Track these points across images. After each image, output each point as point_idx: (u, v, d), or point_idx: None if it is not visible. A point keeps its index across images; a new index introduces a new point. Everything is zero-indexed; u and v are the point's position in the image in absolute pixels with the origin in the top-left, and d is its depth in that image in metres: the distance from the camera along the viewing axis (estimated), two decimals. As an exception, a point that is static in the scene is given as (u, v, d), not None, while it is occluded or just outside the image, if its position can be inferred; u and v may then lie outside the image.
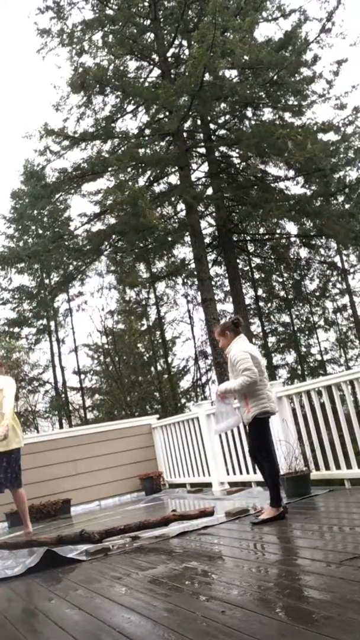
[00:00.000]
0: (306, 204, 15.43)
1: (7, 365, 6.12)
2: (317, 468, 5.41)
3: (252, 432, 4.55)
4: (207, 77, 13.30)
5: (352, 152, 14.76)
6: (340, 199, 16.42)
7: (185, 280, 20.65)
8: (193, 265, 16.09)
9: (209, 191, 16.20)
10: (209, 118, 15.97)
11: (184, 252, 18.53)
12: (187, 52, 15.61)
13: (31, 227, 23.12)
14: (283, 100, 15.31)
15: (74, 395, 24.47)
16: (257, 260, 20.73)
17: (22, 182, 21.55)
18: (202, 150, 16.67)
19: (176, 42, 16.22)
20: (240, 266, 19.45)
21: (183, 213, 16.07)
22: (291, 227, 17.71)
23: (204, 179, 17.12)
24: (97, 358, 23.98)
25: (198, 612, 2.45)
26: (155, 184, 16.51)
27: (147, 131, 15.71)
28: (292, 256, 18.88)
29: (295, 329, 23.10)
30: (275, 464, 4.41)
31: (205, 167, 17.09)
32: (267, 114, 16.09)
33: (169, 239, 15.35)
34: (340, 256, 21.06)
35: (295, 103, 15.24)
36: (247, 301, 21.16)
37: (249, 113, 16.16)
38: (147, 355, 24.03)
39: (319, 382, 5.60)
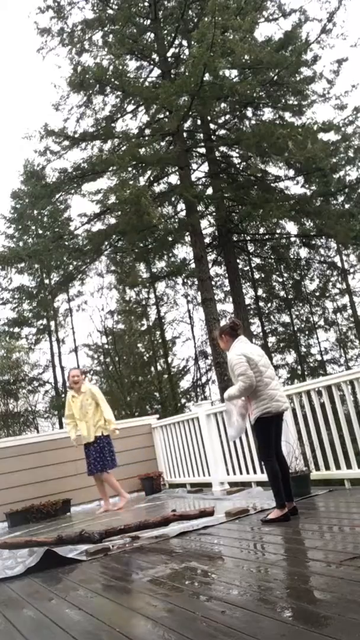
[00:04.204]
0: (306, 204, 15.41)
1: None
2: (317, 468, 5.41)
3: (254, 432, 4.60)
4: (207, 76, 13.26)
5: (352, 151, 14.74)
6: (340, 198, 16.40)
7: (185, 280, 20.62)
8: (193, 265, 16.07)
9: (209, 191, 16.18)
10: (209, 118, 15.94)
11: (184, 252, 18.51)
12: (187, 52, 15.57)
13: (31, 227, 23.11)
14: (283, 100, 15.26)
15: (74, 395, 24.44)
16: (257, 260, 20.71)
17: (22, 182, 21.53)
18: (202, 150, 16.64)
19: (176, 42, 16.17)
20: (240, 266, 19.43)
21: (183, 213, 16.06)
22: (291, 227, 17.70)
23: (204, 179, 17.10)
24: (97, 358, 24.01)
25: (198, 612, 2.45)
26: (155, 184, 16.50)
27: (147, 131, 15.67)
28: (292, 256, 18.86)
29: (295, 329, 23.07)
30: (272, 465, 4.36)
31: (205, 167, 17.08)
32: (267, 113, 16.04)
33: (170, 238, 15.33)
34: (340, 256, 21.05)
35: (296, 103, 15.20)
36: (247, 301, 21.13)
37: (249, 113, 16.11)
38: (147, 355, 24.01)
39: (319, 382, 5.60)
